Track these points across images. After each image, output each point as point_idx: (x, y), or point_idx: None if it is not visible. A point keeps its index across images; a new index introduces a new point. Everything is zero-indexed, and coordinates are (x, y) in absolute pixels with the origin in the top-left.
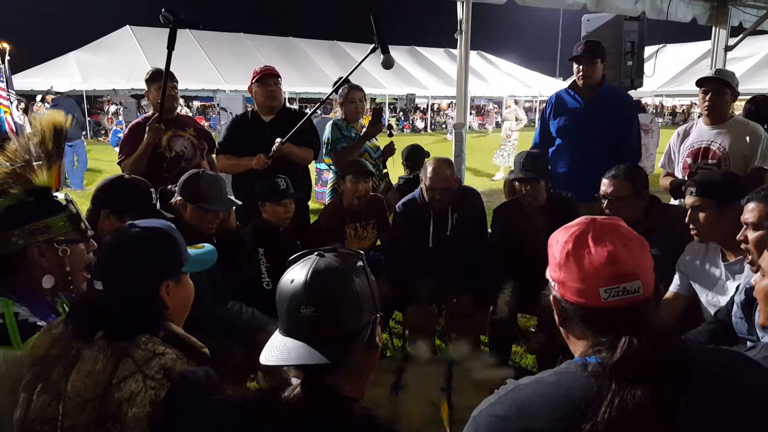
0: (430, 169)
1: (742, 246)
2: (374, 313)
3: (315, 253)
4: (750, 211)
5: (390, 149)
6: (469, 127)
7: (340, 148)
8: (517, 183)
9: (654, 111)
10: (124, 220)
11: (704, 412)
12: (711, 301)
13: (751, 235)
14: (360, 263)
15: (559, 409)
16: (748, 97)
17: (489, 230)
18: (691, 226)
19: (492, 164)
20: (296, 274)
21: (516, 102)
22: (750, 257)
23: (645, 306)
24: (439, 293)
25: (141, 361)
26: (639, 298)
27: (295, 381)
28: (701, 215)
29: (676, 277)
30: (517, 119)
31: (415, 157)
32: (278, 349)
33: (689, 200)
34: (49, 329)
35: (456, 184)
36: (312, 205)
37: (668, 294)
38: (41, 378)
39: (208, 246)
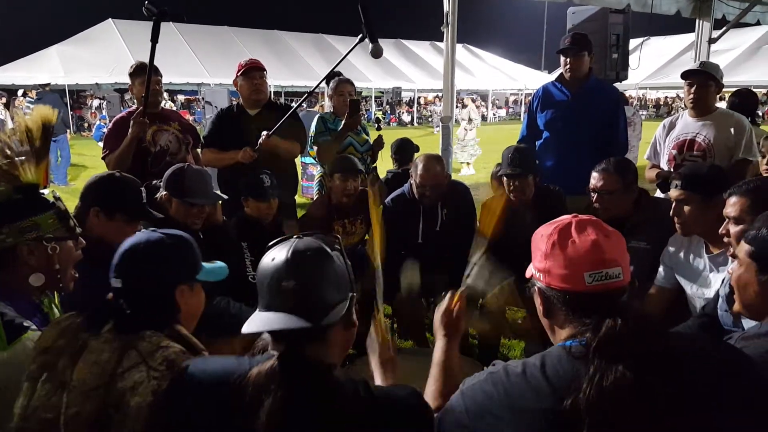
0: (420, 165)
1: (725, 239)
2: (351, 291)
3: (294, 236)
4: (732, 205)
5: (379, 143)
6: (456, 120)
7: (322, 141)
8: (504, 178)
9: (638, 103)
10: (113, 218)
11: (683, 391)
12: (696, 293)
13: (733, 228)
14: (337, 245)
15: (542, 389)
16: (732, 89)
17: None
18: (675, 219)
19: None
20: (277, 253)
21: (473, 100)
22: (732, 250)
23: (624, 291)
24: (428, 287)
25: (145, 352)
26: (619, 283)
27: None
28: (686, 208)
29: (661, 270)
30: (470, 119)
31: (404, 151)
32: (260, 320)
33: (674, 193)
34: (57, 323)
35: (446, 180)
36: (298, 199)
37: (653, 289)
38: (47, 367)
39: (220, 263)
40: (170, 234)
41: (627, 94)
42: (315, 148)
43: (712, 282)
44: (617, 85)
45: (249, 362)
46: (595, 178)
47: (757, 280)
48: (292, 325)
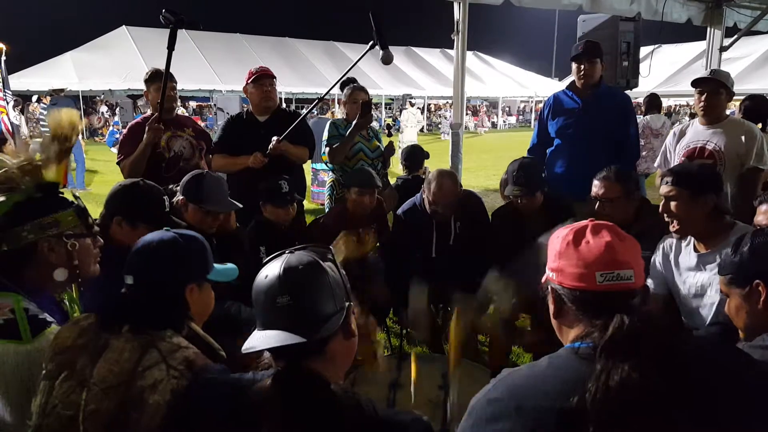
0: (434, 184)
1: None
2: (347, 301)
3: (287, 251)
4: (763, 213)
5: (390, 149)
6: (465, 127)
7: (334, 144)
8: (512, 196)
9: (642, 110)
10: (136, 227)
11: (689, 392)
12: (686, 292)
13: None
14: (329, 255)
15: (551, 388)
16: (743, 97)
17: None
18: (666, 219)
19: (486, 165)
20: (270, 270)
21: (412, 104)
22: None
23: (635, 294)
24: (440, 294)
25: (166, 351)
26: (631, 285)
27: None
28: (673, 204)
29: (651, 276)
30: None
31: (414, 157)
32: (258, 339)
33: (663, 189)
34: (76, 322)
35: (459, 196)
36: (308, 205)
37: None
38: (66, 366)
39: (231, 264)
40: (183, 234)
41: (639, 101)
42: (327, 152)
43: (699, 280)
44: (629, 92)
45: (253, 378)
46: (596, 186)
47: (743, 300)
48: (289, 342)
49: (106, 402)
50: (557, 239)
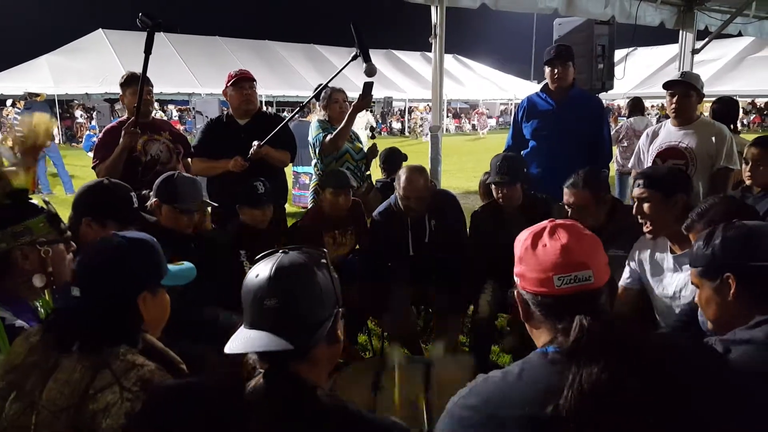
0: (403, 178)
1: None
2: (336, 307)
3: (280, 251)
4: (698, 233)
5: (373, 151)
6: (446, 129)
7: (328, 138)
8: (493, 186)
9: (626, 113)
10: (106, 226)
11: (661, 389)
12: (662, 293)
13: None
14: (323, 260)
15: (524, 396)
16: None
17: (468, 231)
18: (640, 220)
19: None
20: (261, 270)
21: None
22: None
23: (597, 294)
24: (418, 296)
25: (119, 372)
26: (590, 286)
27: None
28: (646, 206)
29: (627, 271)
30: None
31: (392, 160)
32: (242, 340)
33: (636, 192)
34: (26, 337)
35: (430, 191)
36: (289, 208)
37: (619, 289)
38: (16, 386)
39: (187, 263)
40: (132, 238)
41: (615, 103)
42: (323, 146)
43: (676, 281)
44: (604, 94)
45: (233, 381)
46: (566, 194)
47: (714, 292)
48: (272, 348)
49: (57, 425)
50: (518, 244)
